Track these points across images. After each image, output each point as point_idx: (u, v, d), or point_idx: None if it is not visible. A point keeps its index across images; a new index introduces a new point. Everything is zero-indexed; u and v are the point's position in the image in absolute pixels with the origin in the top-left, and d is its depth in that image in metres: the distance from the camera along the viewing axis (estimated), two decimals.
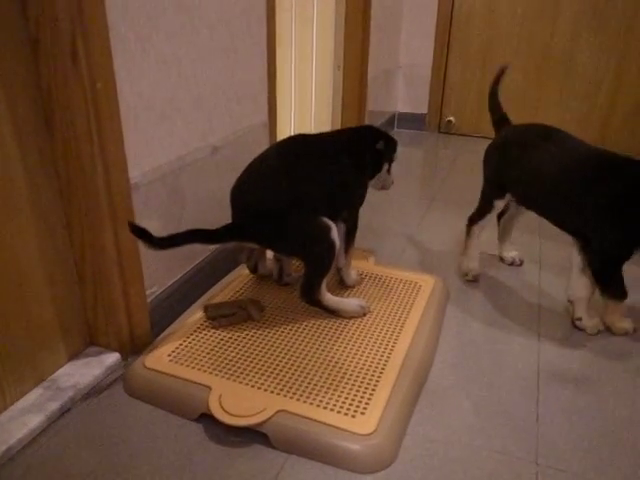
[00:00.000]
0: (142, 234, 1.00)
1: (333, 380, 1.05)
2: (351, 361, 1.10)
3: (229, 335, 1.17)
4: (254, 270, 1.36)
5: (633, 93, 2.65)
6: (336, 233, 1.16)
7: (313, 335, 1.18)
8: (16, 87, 0.89)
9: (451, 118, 3.03)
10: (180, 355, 1.10)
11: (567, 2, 2.62)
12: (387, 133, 1.40)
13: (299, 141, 1.25)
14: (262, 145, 1.56)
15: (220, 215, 1.20)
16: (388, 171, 1.40)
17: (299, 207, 1.12)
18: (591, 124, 2.78)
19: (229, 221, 1.16)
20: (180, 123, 1.20)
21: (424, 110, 3.05)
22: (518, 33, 2.76)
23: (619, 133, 2.75)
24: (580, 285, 1.29)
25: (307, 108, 2.36)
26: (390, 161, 1.39)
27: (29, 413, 0.97)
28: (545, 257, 1.66)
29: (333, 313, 1.23)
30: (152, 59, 1.09)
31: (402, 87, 3.05)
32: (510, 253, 1.62)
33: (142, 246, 1.02)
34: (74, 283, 1.08)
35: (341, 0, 2.33)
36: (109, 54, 0.96)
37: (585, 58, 2.67)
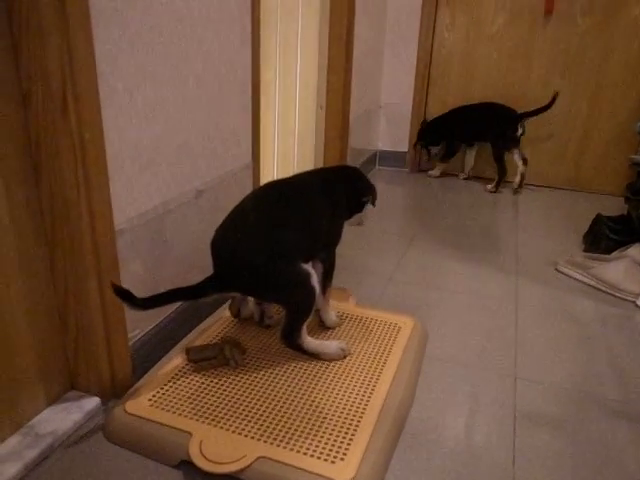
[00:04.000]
0: (125, 296, 1.01)
1: (313, 425, 1.06)
2: (331, 405, 1.11)
3: (210, 379, 1.18)
4: (237, 314, 1.37)
5: (603, 136, 2.76)
6: (316, 279, 1.19)
7: (294, 379, 1.19)
8: (6, 139, 0.92)
9: None
10: (161, 400, 1.10)
11: (540, 49, 2.74)
12: (364, 177, 1.42)
13: (275, 188, 1.27)
14: (246, 187, 1.60)
15: (204, 258, 1.22)
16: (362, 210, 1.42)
17: (279, 256, 1.14)
18: (565, 164, 2.88)
19: (212, 266, 1.18)
20: (165, 168, 1.23)
21: (404, 148, 3.12)
22: (495, 76, 2.87)
23: (591, 173, 2.85)
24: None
25: (290, 147, 2.41)
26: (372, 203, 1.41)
27: (7, 462, 0.96)
28: (521, 297, 1.70)
29: (314, 356, 1.25)
30: (140, 108, 1.12)
31: (383, 126, 3.14)
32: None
33: (125, 307, 1.03)
34: (56, 326, 1.09)
35: (324, 41, 2.42)
36: (98, 105, 0.99)
37: (558, 101, 2.78)
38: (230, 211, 1.22)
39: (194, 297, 1.14)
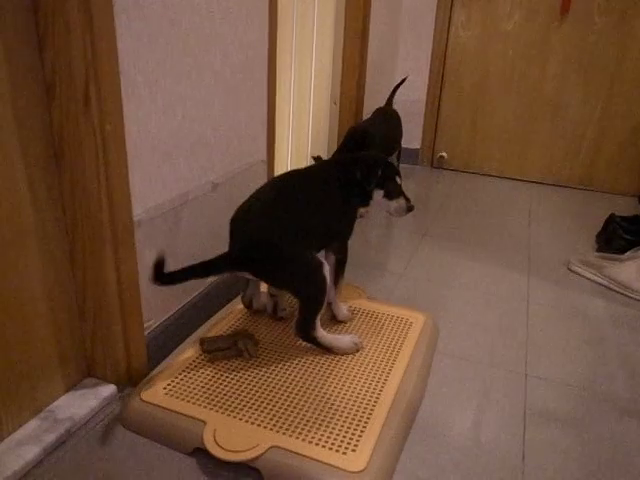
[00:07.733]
0: (158, 271, 1.02)
1: (325, 416, 1.07)
2: (343, 397, 1.13)
3: (224, 369, 1.19)
4: (249, 305, 1.39)
5: (618, 136, 2.74)
6: (327, 270, 1.20)
7: (306, 370, 1.21)
8: (30, 129, 0.94)
9: (443, 153, 3.10)
10: (176, 388, 1.12)
11: (555, 48, 2.73)
12: (373, 160, 1.34)
13: (294, 175, 1.31)
14: (260, 181, 1.61)
15: (219, 249, 1.23)
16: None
17: (292, 240, 1.16)
18: (578, 163, 2.87)
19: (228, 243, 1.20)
20: (182, 161, 1.25)
21: (417, 145, 3.12)
22: (509, 73, 2.86)
23: (605, 172, 2.83)
24: None
25: (304, 142, 2.42)
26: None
27: (26, 444, 0.98)
28: (533, 296, 1.70)
29: (327, 349, 1.26)
30: (159, 102, 1.13)
31: None
32: None
33: (146, 280, 1.04)
34: (74, 315, 1.11)
35: (339, 37, 2.42)
36: (119, 97, 1.00)
37: (572, 100, 2.77)
38: (253, 192, 1.25)
39: (207, 273, 1.14)
